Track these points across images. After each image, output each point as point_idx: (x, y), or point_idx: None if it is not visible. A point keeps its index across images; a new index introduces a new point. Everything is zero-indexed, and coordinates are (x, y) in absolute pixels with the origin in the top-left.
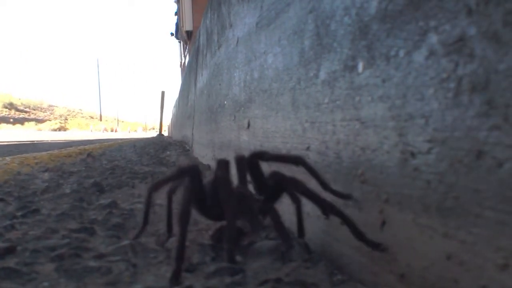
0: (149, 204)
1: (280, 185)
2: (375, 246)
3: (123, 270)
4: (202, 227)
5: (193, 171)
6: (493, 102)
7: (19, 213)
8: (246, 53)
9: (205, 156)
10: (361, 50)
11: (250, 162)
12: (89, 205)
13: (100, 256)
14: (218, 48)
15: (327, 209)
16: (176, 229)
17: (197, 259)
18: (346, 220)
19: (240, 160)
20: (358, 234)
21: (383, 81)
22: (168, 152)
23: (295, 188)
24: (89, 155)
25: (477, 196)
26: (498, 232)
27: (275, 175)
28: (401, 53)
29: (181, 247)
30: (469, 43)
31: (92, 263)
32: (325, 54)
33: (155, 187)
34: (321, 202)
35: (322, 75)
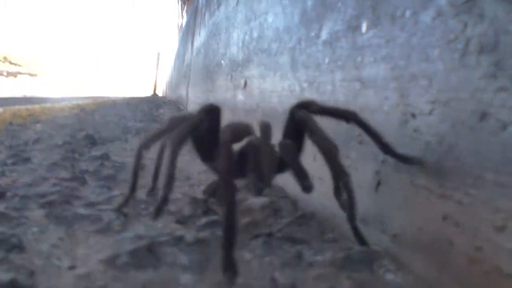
0: (138, 165)
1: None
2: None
3: (113, 219)
4: (194, 183)
5: (190, 120)
6: (501, 64)
7: (9, 161)
8: (246, 12)
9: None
10: (365, 10)
11: (291, 114)
12: (80, 156)
13: (90, 205)
14: (218, 8)
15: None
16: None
17: (189, 212)
18: (351, 199)
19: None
20: (352, 218)
21: (387, 41)
22: (161, 110)
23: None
24: (82, 109)
25: (477, 157)
26: (497, 194)
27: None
28: (408, 13)
29: (168, 187)
30: (479, 3)
31: (82, 211)
32: (328, 14)
33: (146, 145)
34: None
35: (324, 35)
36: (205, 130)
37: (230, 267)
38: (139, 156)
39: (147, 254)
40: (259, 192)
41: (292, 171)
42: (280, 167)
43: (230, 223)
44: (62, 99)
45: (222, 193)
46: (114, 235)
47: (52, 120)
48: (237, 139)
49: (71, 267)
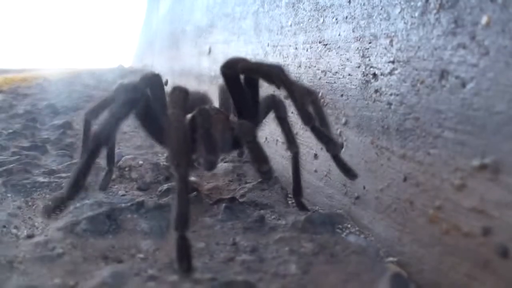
0: (87, 134)
1: (267, 106)
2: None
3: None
4: (158, 150)
5: (136, 88)
6: (460, 21)
7: None
8: None
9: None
10: None
11: (225, 76)
12: (42, 125)
13: (50, 173)
14: None
15: (330, 148)
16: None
17: (150, 178)
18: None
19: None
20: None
21: (349, 1)
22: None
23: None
24: (45, 79)
25: (437, 116)
26: (456, 153)
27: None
28: None
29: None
30: None
31: (42, 179)
32: None
33: (92, 114)
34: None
35: None
36: (148, 102)
37: (183, 257)
38: (87, 125)
39: (107, 221)
40: (210, 167)
41: (249, 152)
42: (236, 143)
43: (181, 209)
44: (25, 70)
45: (173, 171)
46: (74, 202)
47: (14, 90)
48: (187, 111)
49: (29, 236)
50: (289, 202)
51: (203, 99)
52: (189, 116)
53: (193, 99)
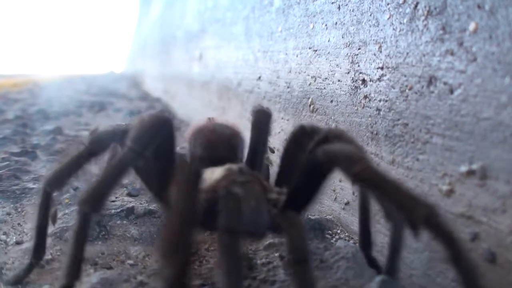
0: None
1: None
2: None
3: (63, 192)
4: None
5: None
6: (448, 27)
7: None
8: None
9: (157, 89)
10: None
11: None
12: (32, 130)
13: (40, 179)
14: None
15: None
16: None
17: (141, 184)
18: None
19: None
20: None
21: (339, 7)
22: (118, 85)
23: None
24: (36, 84)
25: (426, 122)
26: (445, 159)
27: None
28: None
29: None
30: None
31: (31, 185)
32: None
33: (55, 182)
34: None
35: (277, 2)
36: (147, 161)
37: None
38: (46, 197)
39: (97, 227)
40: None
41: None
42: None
43: None
44: (16, 75)
45: (167, 252)
46: (63, 208)
47: (4, 95)
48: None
49: (19, 242)
50: None
51: (231, 138)
52: (209, 176)
53: (220, 135)
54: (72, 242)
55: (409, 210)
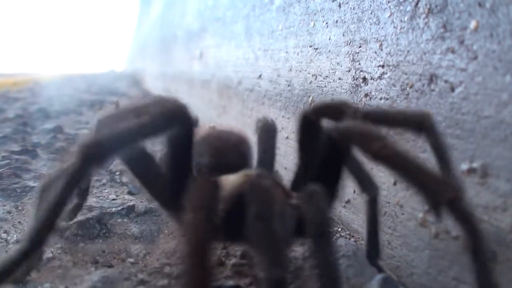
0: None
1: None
2: None
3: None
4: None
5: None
6: (449, 25)
7: None
8: None
9: (157, 87)
10: None
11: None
12: (33, 129)
13: (41, 177)
14: None
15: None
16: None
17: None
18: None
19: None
20: None
21: (339, 5)
22: (118, 84)
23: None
24: (36, 83)
25: None
26: None
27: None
28: None
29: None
30: None
31: (32, 184)
32: None
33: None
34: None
35: (277, 0)
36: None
37: None
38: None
39: (97, 225)
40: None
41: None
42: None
43: None
44: (16, 74)
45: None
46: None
47: (4, 94)
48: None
49: (19, 241)
50: None
51: (238, 145)
52: (228, 184)
53: (226, 143)
54: (55, 195)
55: (432, 191)
